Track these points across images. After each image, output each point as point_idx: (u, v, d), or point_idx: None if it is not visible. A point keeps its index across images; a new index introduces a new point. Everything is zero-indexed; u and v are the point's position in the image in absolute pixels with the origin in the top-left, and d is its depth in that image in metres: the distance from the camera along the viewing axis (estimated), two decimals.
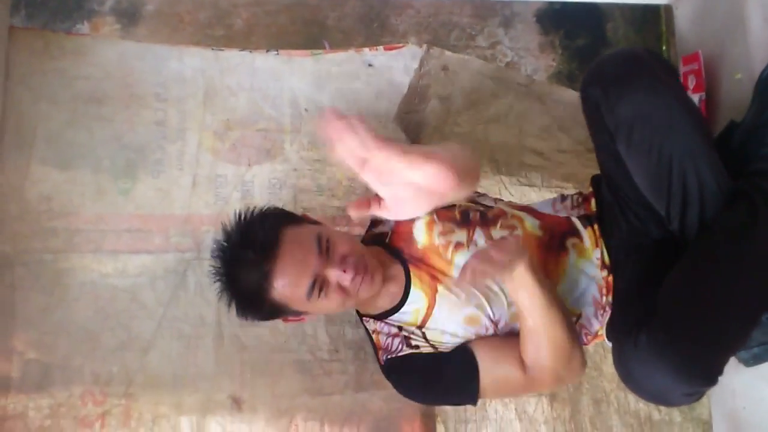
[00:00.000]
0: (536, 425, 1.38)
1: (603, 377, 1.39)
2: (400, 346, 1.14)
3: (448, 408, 1.35)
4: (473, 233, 1.14)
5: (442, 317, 1.12)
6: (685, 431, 1.45)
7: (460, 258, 1.12)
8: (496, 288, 1.12)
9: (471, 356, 1.09)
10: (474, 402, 1.11)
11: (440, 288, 1.12)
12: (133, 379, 1.24)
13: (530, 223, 1.17)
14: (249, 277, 1.04)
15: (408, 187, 1.00)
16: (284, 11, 1.82)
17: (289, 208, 1.32)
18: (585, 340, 1.20)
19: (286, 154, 1.36)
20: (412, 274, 1.14)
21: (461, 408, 1.35)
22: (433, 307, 1.12)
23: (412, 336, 1.14)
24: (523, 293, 1.03)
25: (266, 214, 1.10)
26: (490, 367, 1.08)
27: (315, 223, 1.16)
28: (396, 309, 1.14)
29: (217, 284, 1.10)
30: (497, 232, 1.14)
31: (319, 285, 1.02)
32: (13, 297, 1.24)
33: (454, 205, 1.18)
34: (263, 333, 1.29)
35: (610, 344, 1.19)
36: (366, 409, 1.31)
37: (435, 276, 1.13)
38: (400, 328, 1.15)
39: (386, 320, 1.16)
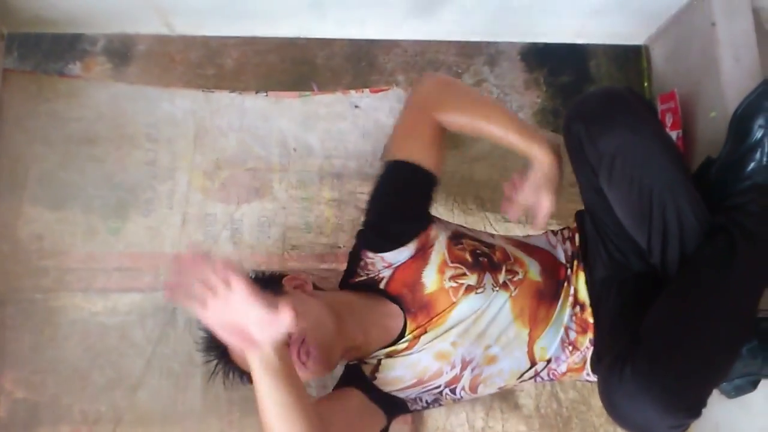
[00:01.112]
0: None
1: (592, 411, 1.39)
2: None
3: None
4: (483, 277, 1.14)
5: (414, 352, 1.14)
6: None
7: (468, 301, 1.13)
8: (482, 329, 1.14)
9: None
10: None
11: (428, 331, 1.14)
12: (121, 417, 1.25)
13: (532, 269, 1.18)
14: (217, 354, 1.11)
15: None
16: (274, 51, 1.86)
17: (278, 246, 1.36)
18: (554, 377, 1.22)
19: (275, 193, 1.38)
20: (408, 323, 1.14)
21: None
22: (414, 344, 1.14)
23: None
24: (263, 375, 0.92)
25: None
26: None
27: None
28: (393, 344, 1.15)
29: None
30: (502, 277, 1.15)
31: None
32: (3, 336, 1.25)
33: (464, 245, 1.17)
34: None
35: (593, 379, 1.21)
36: None
37: (431, 322, 1.13)
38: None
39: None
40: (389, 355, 1.15)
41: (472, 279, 1.14)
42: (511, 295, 1.15)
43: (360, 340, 1.12)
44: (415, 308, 1.14)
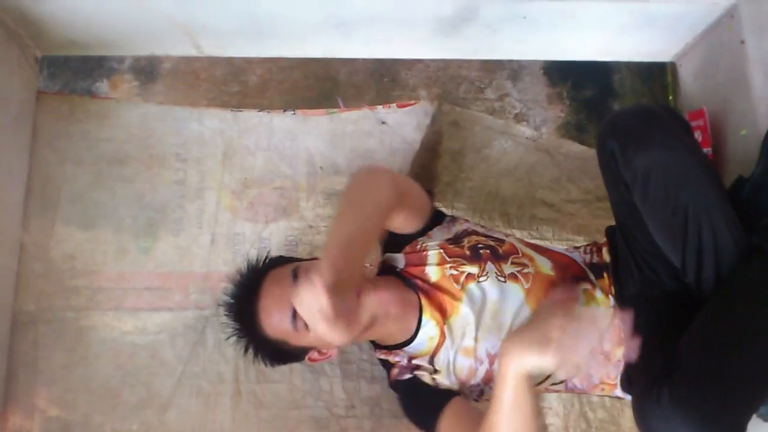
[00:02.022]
0: None
1: None
2: (412, 372, 1.17)
3: None
4: (485, 267, 1.16)
5: (446, 349, 1.15)
6: None
7: (474, 288, 1.14)
8: (507, 324, 1.14)
9: (441, 404, 1.11)
10: None
11: (447, 321, 1.15)
12: None
13: (541, 263, 1.19)
14: (242, 322, 1.12)
15: None
16: (297, 67, 1.87)
17: None
18: (585, 387, 1.20)
19: (302, 212, 1.39)
20: (423, 303, 1.16)
21: None
22: (443, 341, 1.15)
23: (421, 366, 1.16)
24: (506, 388, 0.97)
25: (258, 262, 1.17)
26: (450, 423, 1.09)
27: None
28: (411, 339, 1.16)
29: (232, 337, 1.16)
30: (508, 268, 1.16)
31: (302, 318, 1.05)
32: (35, 354, 1.26)
33: (464, 243, 1.21)
34: (280, 390, 1.31)
35: (626, 397, 1.20)
36: None
37: (445, 308, 1.15)
38: (411, 359, 1.17)
39: (402, 350, 1.18)
40: (432, 358, 1.16)
41: (472, 269, 1.16)
42: (524, 287, 1.15)
43: (382, 312, 1.13)
44: (426, 288, 1.17)
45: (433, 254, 1.20)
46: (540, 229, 1.46)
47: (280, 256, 1.22)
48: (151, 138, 1.38)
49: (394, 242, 1.26)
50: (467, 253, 1.19)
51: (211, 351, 1.30)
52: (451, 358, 1.15)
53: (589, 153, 1.52)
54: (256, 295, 1.10)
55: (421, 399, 1.15)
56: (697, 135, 1.40)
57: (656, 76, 1.87)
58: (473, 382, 1.16)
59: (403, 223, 1.22)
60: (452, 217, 1.31)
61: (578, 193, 1.52)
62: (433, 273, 1.18)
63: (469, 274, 1.16)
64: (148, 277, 1.32)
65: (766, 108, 1.28)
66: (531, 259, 1.19)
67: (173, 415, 1.27)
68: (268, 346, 1.11)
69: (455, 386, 1.15)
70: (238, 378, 1.29)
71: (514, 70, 1.91)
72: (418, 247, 1.23)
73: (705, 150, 1.39)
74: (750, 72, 1.33)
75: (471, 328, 1.14)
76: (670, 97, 1.80)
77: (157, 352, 1.29)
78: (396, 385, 1.19)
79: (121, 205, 1.34)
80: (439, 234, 1.25)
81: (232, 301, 1.15)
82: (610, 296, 1.17)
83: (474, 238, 1.22)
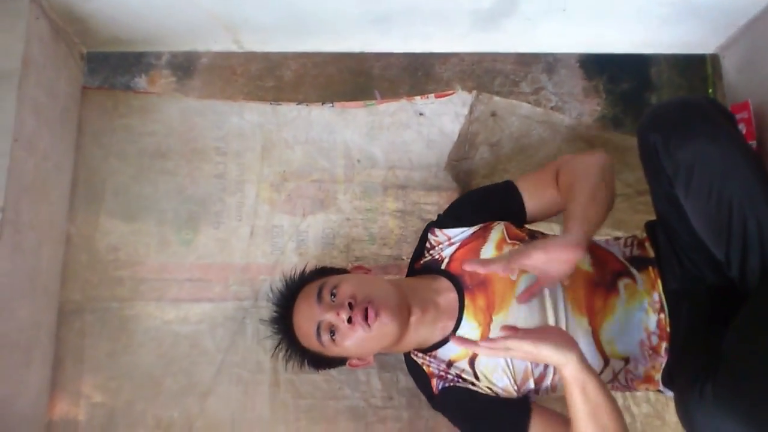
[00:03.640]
0: None
1: (667, 426, 1.37)
2: (455, 379, 1.16)
3: None
4: None
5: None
6: None
7: (527, 280, 1.13)
8: (552, 319, 1.13)
9: (525, 416, 1.10)
10: None
11: (495, 318, 1.13)
12: (193, 424, 1.28)
13: (584, 261, 1.17)
14: (283, 335, 1.20)
15: (548, 263, 1.04)
16: (331, 62, 1.89)
17: (341, 257, 1.37)
18: (631, 385, 1.19)
19: (339, 204, 1.40)
20: (466, 302, 1.15)
21: None
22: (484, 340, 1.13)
23: (463, 373, 1.15)
24: (576, 393, 1.02)
25: (296, 275, 1.23)
26: None
27: (346, 271, 1.24)
28: (444, 341, 1.16)
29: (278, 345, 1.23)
30: None
31: (326, 330, 1.10)
32: (81, 343, 1.30)
33: (524, 228, 1.23)
34: (318, 380, 1.32)
35: (667, 393, 1.18)
36: None
37: (492, 305, 1.14)
38: (450, 364, 1.16)
39: (435, 353, 1.17)
40: (472, 361, 1.15)
41: None
42: (563, 284, 1.14)
43: (422, 316, 1.14)
44: (473, 285, 1.16)
45: (497, 230, 1.19)
46: None
47: (320, 269, 1.24)
48: (191, 132, 1.40)
49: (450, 217, 1.27)
50: (527, 237, 1.19)
51: (250, 341, 1.33)
52: (505, 360, 1.13)
53: (630, 142, 1.50)
54: (291, 312, 1.17)
55: (495, 418, 1.13)
56: (742, 128, 1.37)
57: (695, 68, 1.84)
58: (529, 384, 1.14)
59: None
60: None
61: (619, 187, 1.50)
62: (489, 255, 1.16)
63: None
64: (189, 269, 1.34)
65: None
66: None
67: (213, 402, 1.29)
68: (307, 355, 1.18)
69: (514, 388, 1.14)
70: (276, 368, 1.31)
71: (549, 63, 1.90)
72: (491, 224, 1.22)
73: (749, 143, 1.37)
74: None
75: (523, 324, 1.12)
76: (710, 90, 1.77)
77: (198, 341, 1.32)
78: (444, 399, 1.17)
79: (163, 198, 1.37)
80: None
81: (273, 315, 1.22)
82: (654, 291, 1.16)
83: (528, 229, 1.24)
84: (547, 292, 1.14)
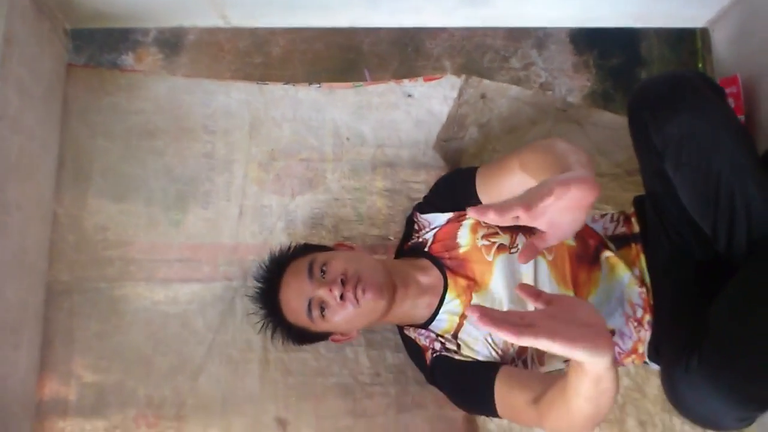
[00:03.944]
0: None
1: (647, 399, 1.39)
2: (441, 349, 1.18)
3: (493, 427, 1.36)
4: (516, 237, 1.17)
5: (475, 324, 1.15)
6: None
7: (504, 261, 1.15)
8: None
9: (491, 377, 1.09)
10: (495, 416, 1.11)
11: (476, 295, 1.16)
12: (184, 402, 1.29)
13: None
14: (268, 309, 1.21)
15: (562, 211, 0.86)
16: (320, 38, 1.86)
17: (330, 237, 1.38)
18: (618, 359, 1.20)
19: (328, 184, 1.40)
20: (449, 281, 1.18)
21: (506, 427, 1.36)
22: (467, 316, 1.16)
23: (447, 343, 1.18)
24: (589, 383, 0.87)
25: (283, 251, 1.24)
26: (505, 395, 1.08)
27: (329, 249, 1.24)
28: (432, 318, 1.18)
29: (261, 321, 1.24)
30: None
31: (317, 306, 1.12)
32: (71, 323, 1.30)
33: None
34: (307, 358, 1.33)
35: (652, 366, 1.20)
36: (409, 430, 1.33)
37: (472, 284, 1.16)
38: (437, 337, 1.19)
39: (426, 328, 1.20)
40: (456, 334, 1.17)
41: (504, 239, 1.17)
42: (547, 259, 1.15)
43: (405, 292, 1.16)
44: (453, 266, 1.18)
45: (469, 217, 1.21)
46: None
47: (304, 245, 1.26)
48: (179, 110, 1.39)
49: (428, 203, 1.29)
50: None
51: (239, 320, 1.33)
52: (485, 333, 1.15)
53: (620, 122, 1.50)
54: (278, 286, 1.17)
55: (468, 379, 1.14)
56: (730, 102, 1.37)
57: (686, 42, 1.82)
58: (511, 353, 1.17)
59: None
60: None
61: (608, 167, 1.50)
62: (464, 239, 1.19)
63: (501, 245, 1.17)
64: (178, 249, 1.34)
65: None
66: None
67: (204, 381, 1.30)
68: (293, 330, 1.19)
69: (495, 358, 1.16)
70: (266, 346, 1.32)
71: (539, 38, 1.88)
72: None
73: (738, 117, 1.37)
74: None
75: (503, 300, 1.15)
76: (700, 65, 1.75)
77: (188, 321, 1.32)
78: (433, 368, 1.19)
79: (151, 178, 1.36)
80: None
81: (258, 290, 1.23)
82: (636, 266, 1.17)
83: None
84: (530, 267, 1.15)
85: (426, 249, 1.24)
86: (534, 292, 0.87)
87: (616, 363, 0.90)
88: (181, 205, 1.35)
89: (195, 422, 1.29)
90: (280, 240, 1.36)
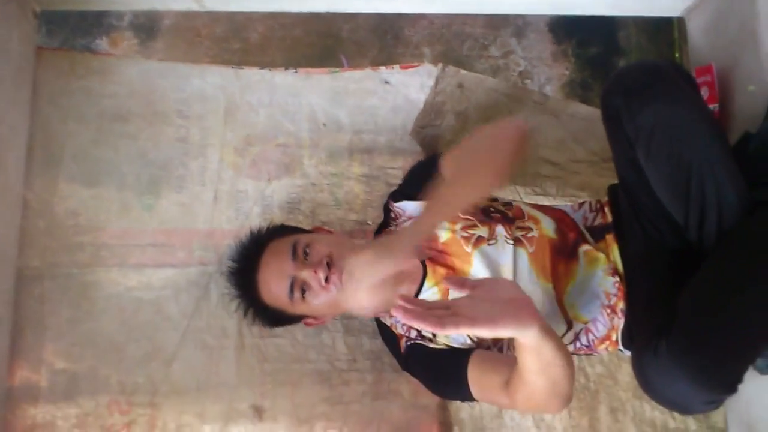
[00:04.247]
0: None
1: (618, 386, 1.40)
2: (417, 337, 1.18)
3: (465, 415, 1.37)
4: (495, 229, 1.17)
5: None
6: None
7: (483, 253, 1.15)
8: (530, 290, 1.13)
9: (464, 362, 1.09)
10: (471, 400, 1.11)
11: (451, 293, 1.14)
12: (158, 388, 1.28)
13: (546, 225, 1.19)
14: (242, 289, 1.19)
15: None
16: (299, 24, 1.85)
17: (307, 222, 1.37)
18: (592, 346, 1.21)
19: (305, 169, 1.39)
20: (428, 269, 1.17)
21: (477, 415, 1.37)
22: None
23: (423, 332, 1.17)
24: (530, 356, 0.92)
25: (262, 230, 1.22)
26: (479, 378, 1.08)
27: (309, 231, 1.23)
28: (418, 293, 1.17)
29: (233, 300, 1.22)
30: (515, 232, 1.17)
31: (299, 288, 1.11)
32: (42, 309, 1.28)
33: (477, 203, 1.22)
34: (283, 344, 1.32)
35: (626, 352, 1.21)
36: (384, 417, 1.33)
37: (450, 274, 1.16)
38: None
39: None
40: None
41: (482, 231, 1.16)
42: (528, 252, 1.15)
43: (388, 279, 1.13)
44: (433, 255, 1.18)
45: None
46: (543, 185, 1.46)
47: (282, 226, 1.25)
48: (153, 94, 1.37)
49: (401, 192, 1.28)
50: (479, 214, 1.20)
51: (214, 306, 1.32)
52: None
53: (596, 114, 1.51)
54: (256, 265, 1.15)
55: (441, 366, 1.14)
56: (705, 91, 1.38)
57: (663, 32, 1.84)
58: (487, 342, 1.17)
59: None
60: None
61: (584, 154, 1.51)
62: (443, 231, 1.18)
63: (479, 237, 1.16)
64: (151, 234, 1.33)
65: None
66: (536, 222, 1.19)
67: (178, 368, 1.29)
68: (267, 312, 1.18)
69: (471, 346, 1.16)
70: (241, 332, 1.31)
71: (518, 26, 1.89)
72: None
73: (712, 106, 1.38)
74: (760, 28, 1.30)
75: None
76: (677, 54, 1.77)
77: (162, 307, 1.31)
78: (407, 355, 1.19)
79: (124, 162, 1.34)
80: None
81: (233, 268, 1.20)
82: (611, 255, 1.18)
83: (486, 202, 1.23)
84: (509, 258, 1.15)
85: None
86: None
87: (551, 332, 0.90)
88: (154, 189, 1.34)
89: (169, 409, 1.27)
90: (256, 226, 1.34)
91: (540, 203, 1.35)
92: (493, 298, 0.90)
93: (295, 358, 1.33)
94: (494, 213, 1.20)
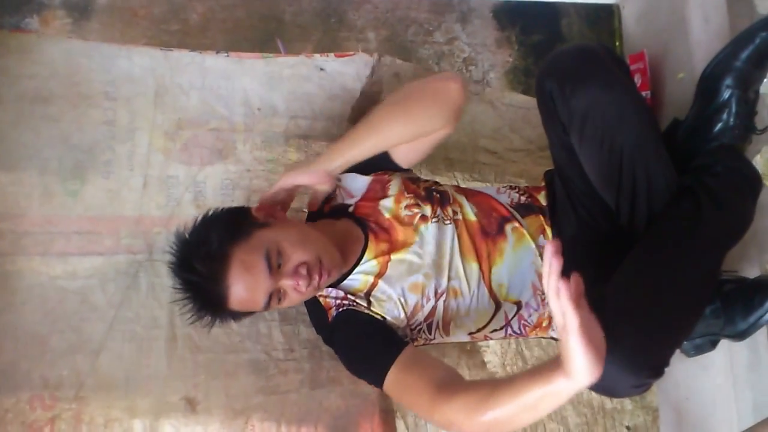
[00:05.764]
0: None
1: None
2: (350, 304, 1.16)
3: None
4: (436, 209, 1.19)
5: (389, 284, 1.15)
6: (635, 418, 1.49)
7: (425, 229, 1.17)
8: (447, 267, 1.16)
9: (396, 350, 1.08)
10: (378, 386, 1.10)
11: (394, 257, 1.16)
12: (83, 382, 1.23)
13: (468, 209, 1.22)
14: (206, 295, 1.08)
15: None
16: (240, 5, 1.81)
17: None
18: (524, 332, 1.22)
19: (239, 155, 1.35)
20: (369, 242, 1.17)
21: None
22: (382, 275, 1.15)
23: (357, 298, 1.16)
24: (551, 399, 0.87)
25: (213, 226, 1.10)
26: (403, 371, 1.06)
27: (263, 224, 1.13)
28: (346, 276, 1.17)
29: (176, 295, 1.12)
30: (450, 213, 1.20)
31: (276, 296, 1.08)
32: None
33: (419, 181, 1.25)
34: (217, 334, 1.28)
35: (558, 337, 1.22)
36: (323, 406, 1.32)
37: (394, 247, 1.16)
38: (347, 294, 1.17)
39: (335, 287, 1.18)
40: (369, 294, 1.16)
41: (426, 210, 1.19)
42: (457, 231, 1.18)
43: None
44: (377, 229, 1.18)
45: (395, 184, 1.22)
46: (482, 172, 1.47)
47: (234, 219, 1.13)
48: (77, 75, 1.31)
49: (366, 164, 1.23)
50: (422, 192, 1.21)
51: (144, 296, 1.27)
52: (399, 293, 1.15)
53: (532, 102, 1.52)
54: (224, 280, 1.05)
55: (371, 341, 1.12)
56: (637, 78, 1.41)
57: (603, 20, 1.86)
58: (419, 317, 1.17)
59: (414, 153, 1.25)
60: None
61: (520, 143, 1.52)
62: (388, 208, 1.19)
63: (422, 215, 1.18)
64: (76, 221, 1.27)
65: (703, 52, 1.29)
66: (460, 206, 1.22)
67: (105, 360, 1.24)
68: (229, 315, 1.14)
69: (401, 322, 1.15)
70: (173, 322, 1.27)
71: (463, 12, 1.88)
72: (386, 176, 1.24)
73: (644, 93, 1.40)
74: (689, 16, 1.33)
75: (420, 266, 1.15)
76: (617, 43, 1.79)
77: (88, 297, 1.25)
78: (335, 324, 1.16)
79: (46, 146, 1.27)
80: (402, 172, 1.28)
81: (193, 282, 1.08)
82: (542, 236, 1.18)
83: (425, 183, 1.25)
84: (449, 238, 1.17)
85: (350, 210, 1.22)
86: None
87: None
88: (79, 175, 1.28)
89: (96, 403, 1.22)
90: (188, 212, 1.30)
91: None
92: (593, 329, 0.82)
93: (229, 348, 1.29)
94: (435, 193, 1.22)
